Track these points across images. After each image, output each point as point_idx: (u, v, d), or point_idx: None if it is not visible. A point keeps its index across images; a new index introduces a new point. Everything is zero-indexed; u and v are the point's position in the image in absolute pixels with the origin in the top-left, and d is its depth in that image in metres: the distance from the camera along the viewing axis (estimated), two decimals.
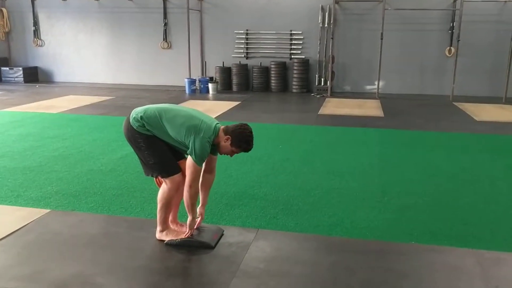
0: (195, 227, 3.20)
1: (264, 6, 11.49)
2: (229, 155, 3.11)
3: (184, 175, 3.10)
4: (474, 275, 2.85)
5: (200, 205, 3.26)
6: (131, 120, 3.05)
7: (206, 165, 3.16)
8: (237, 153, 3.07)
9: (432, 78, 11.12)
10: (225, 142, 3.00)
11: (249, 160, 5.20)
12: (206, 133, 2.94)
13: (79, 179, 4.55)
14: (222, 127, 3.05)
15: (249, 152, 3.12)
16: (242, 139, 3.01)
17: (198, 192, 3.08)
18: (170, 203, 3.17)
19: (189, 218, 3.11)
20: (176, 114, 3.03)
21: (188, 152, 2.96)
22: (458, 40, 10.07)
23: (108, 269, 2.88)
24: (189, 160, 2.95)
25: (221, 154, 3.13)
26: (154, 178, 3.25)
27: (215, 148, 3.08)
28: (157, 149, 3.04)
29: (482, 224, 3.62)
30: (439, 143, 6.25)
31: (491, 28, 10.62)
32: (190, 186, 2.97)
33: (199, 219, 3.24)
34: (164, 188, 3.13)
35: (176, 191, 3.12)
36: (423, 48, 11.02)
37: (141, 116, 3.02)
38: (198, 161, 2.93)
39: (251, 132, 3.05)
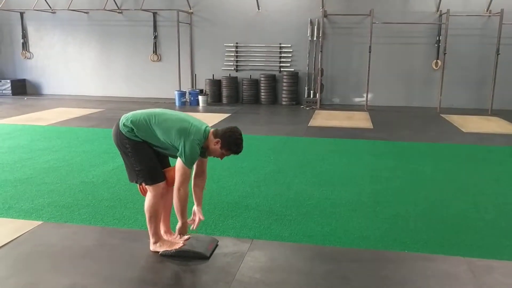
0: (187, 234, 3.22)
1: (253, 20, 11.61)
2: (219, 158, 3.14)
3: (168, 184, 3.12)
4: (466, 282, 2.89)
5: (195, 205, 3.23)
6: (120, 125, 3.06)
7: (197, 167, 3.18)
8: (227, 155, 3.10)
9: (419, 90, 11.30)
10: (215, 146, 3.03)
11: (241, 171, 5.22)
12: (196, 136, 2.96)
13: (71, 191, 4.53)
14: (212, 130, 3.08)
15: (239, 156, 3.17)
16: (232, 142, 3.03)
17: (187, 195, 3.03)
18: (158, 212, 3.15)
19: (179, 223, 3.10)
20: (166, 118, 3.05)
21: (178, 154, 2.97)
22: (445, 53, 10.28)
23: (102, 280, 2.86)
24: (179, 162, 2.96)
25: (210, 156, 3.15)
26: (138, 186, 3.22)
27: (205, 151, 3.10)
28: (144, 156, 3.05)
29: (472, 232, 3.67)
30: (428, 154, 6.34)
31: (476, 42, 10.86)
32: (179, 189, 2.96)
33: (196, 220, 3.18)
34: (148, 196, 3.12)
35: (160, 199, 3.11)
36: (410, 61, 11.21)
37: (130, 121, 3.03)
38: (188, 163, 2.94)
39: (240, 134, 3.08)
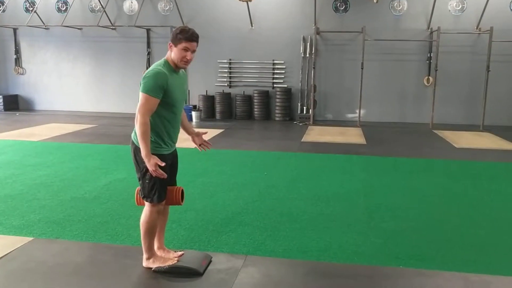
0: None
1: (246, 36, 11.70)
2: (188, 58, 2.97)
3: (166, 202, 3.09)
4: None
5: (194, 133, 3.38)
6: (134, 141, 3.00)
7: None
8: (189, 48, 2.94)
9: (411, 106, 11.39)
10: (171, 51, 2.97)
11: (235, 187, 5.20)
12: (155, 66, 2.94)
13: (63, 207, 4.48)
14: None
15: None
16: (176, 32, 2.95)
17: (147, 124, 2.83)
18: (154, 227, 3.11)
19: (145, 156, 2.83)
20: None
21: (140, 90, 2.87)
22: (436, 70, 10.39)
23: None
24: (140, 94, 2.85)
25: (181, 65, 3.00)
26: (136, 195, 3.12)
27: (175, 68, 3.02)
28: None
29: (467, 247, 3.67)
30: (422, 169, 6.35)
31: (467, 59, 11.00)
32: (137, 119, 2.83)
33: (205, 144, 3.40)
34: (147, 212, 3.07)
35: (157, 214, 3.07)
36: (402, 78, 11.31)
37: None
38: (150, 89, 2.82)
39: (183, 26, 3.04)
